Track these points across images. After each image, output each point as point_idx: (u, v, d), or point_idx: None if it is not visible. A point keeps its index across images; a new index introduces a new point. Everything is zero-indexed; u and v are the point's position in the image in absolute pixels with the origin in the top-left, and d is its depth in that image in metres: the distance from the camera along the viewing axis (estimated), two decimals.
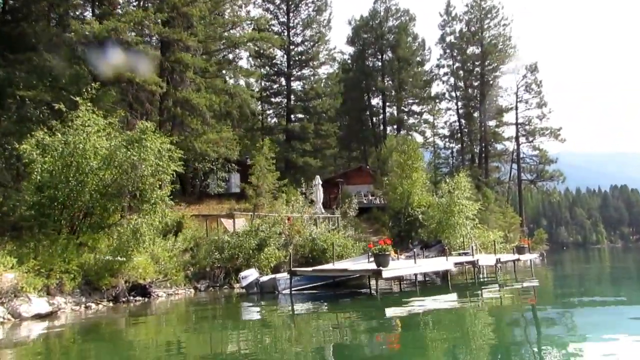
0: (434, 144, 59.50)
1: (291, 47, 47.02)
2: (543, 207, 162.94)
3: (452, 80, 54.64)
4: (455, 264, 15.55)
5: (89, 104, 15.25)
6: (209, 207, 37.47)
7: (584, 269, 29.12)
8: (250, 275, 14.68)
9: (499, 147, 54.33)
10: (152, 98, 24.51)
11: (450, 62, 54.92)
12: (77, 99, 15.01)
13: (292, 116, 48.34)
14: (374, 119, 58.51)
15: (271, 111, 50.62)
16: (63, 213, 14.74)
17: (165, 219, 16.30)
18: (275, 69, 47.88)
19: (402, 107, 58.03)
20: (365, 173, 45.10)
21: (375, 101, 59.37)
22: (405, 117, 57.94)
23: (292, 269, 13.74)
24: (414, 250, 27.48)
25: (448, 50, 54.56)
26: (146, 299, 15.48)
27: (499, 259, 17.87)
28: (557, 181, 49.59)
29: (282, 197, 23.75)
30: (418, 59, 57.11)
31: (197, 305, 15.05)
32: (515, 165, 51.40)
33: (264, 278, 14.90)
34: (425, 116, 59.41)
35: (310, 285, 14.77)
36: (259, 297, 14.51)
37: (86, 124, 14.90)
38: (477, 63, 52.56)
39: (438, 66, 55.64)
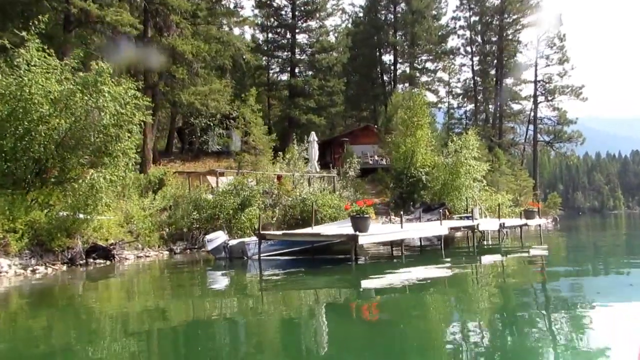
0: (448, 104, 56.87)
1: None
2: (560, 171, 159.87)
3: (468, 34, 51.21)
4: (451, 228, 13.76)
5: (37, 40, 13.41)
6: (206, 164, 35.94)
7: (599, 236, 27.10)
8: (217, 238, 13.09)
9: (516, 107, 51.36)
10: (133, 43, 22.55)
11: (468, 14, 51.33)
12: (23, 33, 13.14)
13: (297, 71, 45.97)
14: (385, 76, 55.72)
15: (275, 66, 48.03)
16: (10, 165, 13.17)
17: (130, 174, 14.64)
18: (280, 20, 45.11)
19: (415, 64, 55.06)
20: (372, 132, 42.99)
21: (387, 58, 56.45)
22: (418, 75, 54.97)
23: (261, 232, 12.08)
24: (415, 213, 25.86)
25: (465, 1, 50.85)
26: (109, 262, 14.09)
27: (503, 224, 16.01)
28: (576, 143, 46.67)
29: (269, 153, 21.93)
30: (433, 12, 53.69)
31: (163, 270, 13.60)
32: (531, 127, 48.54)
33: (233, 242, 13.31)
34: (440, 74, 56.50)
35: (287, 250, 13.15)
36: (226, 263, 12.97)
37: (34, 64, 13.11)
38: (496, 15, 48.87)
39: (454, 19, 52.12)
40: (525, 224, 17.33)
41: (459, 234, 20.44)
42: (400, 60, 55.47)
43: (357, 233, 10.04)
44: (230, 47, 28.06)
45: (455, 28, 52.48)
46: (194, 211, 18.07)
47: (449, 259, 13.00)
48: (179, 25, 23.78)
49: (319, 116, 44.75)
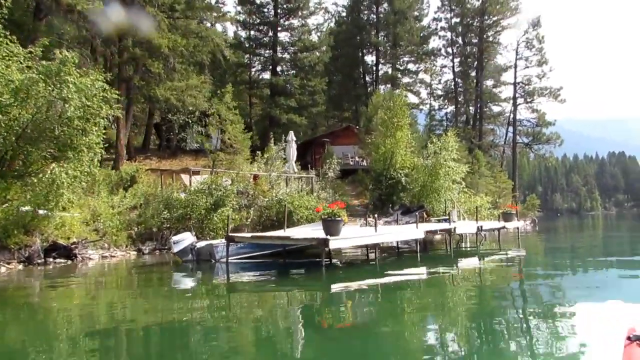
0: (430, 106, 56.84)
1: None
2: (539, 173, 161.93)
3: (449, 35, 51.23)
4: (428, 232, 13.41)
5: None
6: (183, 162, 35.14)
7: (576, 238, 27.22)
8: (184, 239, 12.53)
9: (496, 109, 51.57)
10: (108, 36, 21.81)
11: (449, 16, 51.34)
12: None
13: (279, 70, 45.39)
14: (367, 77, 55.44)
15: (257, 64, 47.31)
16: None
17: (95, 169, 14.00)
18: (262, 18, 44.48)
19: (397, 65, 54.92)
20: (353, 133, 42.61)
21: (370, 58, 56.20)
22: (400, 76, 54.85)
23: (230, 234, 11.57)
24: (394, 215, 25.57)
25: (446, 2, 50.86)
26: (70, 262, 13.43)
27: (481, 227, 15.76)
28: (554, 145, 47.00)
29: (245, 152, 21.38)
30: (415, 13, 53.63)
31: (126, 271, 13.00)
32: (511, 128, 48.69)
33: (201, 244, 12.77)
34: (421, 75, 56.44)
35: (259, 253, 12.66)
36: (193, 266, 12.43)
37: None
38: (476, 17, 48.96)
39: (435, 20, 52.10)
40: (504, 227, 17.12)
41: (437, 236, 20.23)
42: (382, 61, 55.24)
43: (328, 237, 9.60)
44: (209, 42, 27.40)
45: (436, 29, 52.51)
46: (165, 210, 17.45)
47: (425, 263, 12.67)
48: (155, 18, 23.06)
49: (300, 116, 44.24)
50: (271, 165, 21.94)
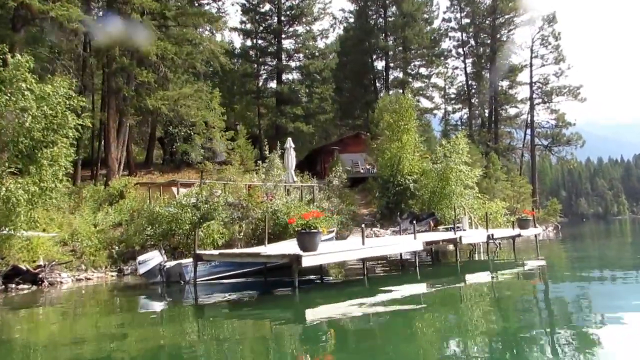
0: (445, 110, 54.98)
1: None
2: (562, 178, 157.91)
3: (459, 35, 49.44)
4: (428, 243, 11.79)
5: None
6: (186, 176, 34.07)
7: (603, 245, 25.04)
8: (150, 259, 11.19)
9: (513, 111, 49.41)
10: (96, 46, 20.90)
11: (459, 15, 49.59)
12: None
13: (285, 78, 44.34)
14: (378, 82, 53.97)
15: (264, 73, 46.32)
16: None
17: (60, 185, 12.77)
18: (265, 26, 43.54)
19: (408, 70, 53.34)
20: (362, 140, 41.12)
21: (380, 64, 54.77)
22: (411, 80, 53.24)
23: (197, 252, 10.13)
24: (402, 224, 23.91)
25: (456, 2, 49.15)
26: (35, 287, 12.17)
27: (492, 235, 14.04)
28: (575, 146, 44.54)
29: (236, 161, 20.06)
30: (425, 15, 52.12)
31: (94, 296, 11.67)
32: (529, 131, 46.46)
33: (170, 264, 11.37)
34: (434, 79, 54.73)
35: (239, 271, 11.23)
36: (162, 289, 11.02)
37: None
38: (488, 15, 47.04)
39: (444, 20, 50.43)
40: (519, 235, 15.34)
41: (450, 247, 18.52)
42: (392, 66, 53.84)
43: (301, 253, 8.12)
44: (204, 49, 26.34)
45: (447, 30, 50.79)
46: (149, 226, 16.19)
47: (425, 279, 11.07)
48: (141, 25, 22.08)
49: (308, 124, 42.97)
50: (267, 174, 20.56)
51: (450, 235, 12.83)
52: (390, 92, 51.64)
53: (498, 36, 46.51)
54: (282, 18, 43.48)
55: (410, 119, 25.53)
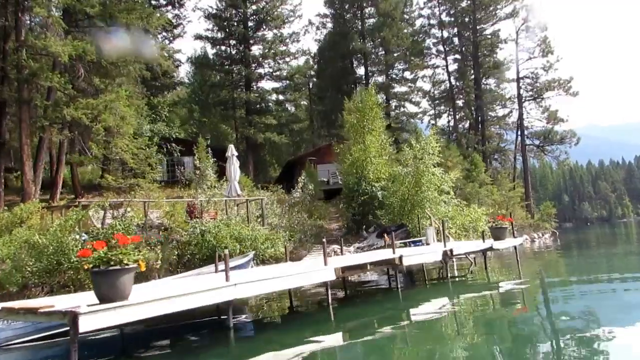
0: (431, 114, 51.77)
1: (247, 3, 39.81)
2: (564, 182, 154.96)
3: (439, 32, 46.43)
4: (343, 269, 8.41)
5: None
6: (147, 196, 30.96)
7: (605, 255, 21.43)
8: None
9: (502, 111, 46.08)
10: None
11: (437, 11, 46.65)
12: None
13: (254, 86, 41.31)
14: (359, 88, 50.93)
15: (230, 83, 43.31)
16: None
17: None
18: (231, 31, 40.66)
19: (391, 74, 50.41)
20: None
21: (361, 69, 51.90)
22: (395, 85, 50.25)
23: None
24: (368, 239, 20.58)
25: None
26: None
27: (450, 252, 10.63)
28: (569, 144, 40.98)
29: (148, 176, 16.78)
30: (405, 15, 49.37)
31: None
32: (520, 131, 42.96)
33: None
34: (419, 83, 51.69)
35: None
36: None
37: None
38: (468, 9, 43.91)
39: (422, 16, 47.56)
40: (490, 248, 11.89)
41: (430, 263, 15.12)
42: (374, 70, 51.03)
43: (80, 310, 4.77)
44: (140, 52, 23.26)
45: (425, 27, 47.85)
46: (31, 260, 12.85)
47: (346, 323, 7.67)
48: (55, 24, 19.11)
49: (280, 134, 39.86)
50: (197, 188, 17.33)
51: (385, 255, 9.46)
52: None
53: (480, 29, 43.38)
54: (249, 23, 40.66)
55: (375, 117, 22.32)
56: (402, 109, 51.15)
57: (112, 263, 5.26)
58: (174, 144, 33.08)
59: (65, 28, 19.16)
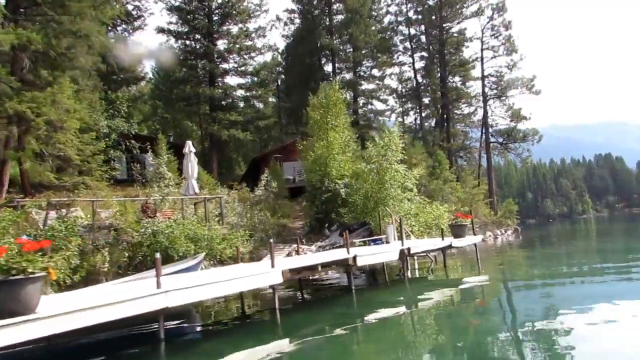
0: (399, 111, 51.76)
1: None
2: (528, 180, 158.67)
3: (406, 30, 46.45)
4: (292, 271, 7.94)
5: None
6: (109, 194, 29.73)
7: (564, 251, 21.66)
8: None
9: (467, 109, 46.42)
10: None
11: (404, 8, 46.66)
12: None
13: (218, 82, 40.32)
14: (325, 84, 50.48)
15: (195, 78, 42.14)
16: None
17: None
18: (194, 25, 39.50)
19: (359, 71, 50.18)
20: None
21: (329, 66, 51.48)
22: (363, 82, 50.03)
23: None
24: (331, 238, 20.18)
25: None
26: None
27: (407, 250, 10.28)
28: (532, 142, 41.59)
29: (96, 173, 15.89)
30: (374, 13, 49.21)
31: None
32: (484, 129, 43.34)
33: None
34: (387, 81, 51.70)
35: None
36: None
37: None
38: (435, 7, 44.01)
39: (389, 13, 47.50)
40: (449, 246, 11.61)
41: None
42: (342, 67, 50.72)
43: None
44: (94, 43, 22.11)
45: (392, 24, 47.81)
46: None
47: (294, 329, 7.16)
48: None
49: (246, 131, 39.05)
50: (149, 185, 16.53)
51: (339, 255, 9.00)
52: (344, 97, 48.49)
53: (446, 27, 43.54)
54: (214, 17, 39.63)
55: (339, 114, 21.91)
56: (369, 107, 51.09)
57: (13, 272, 4.60)
58: (133, 141, 31.79)
59: (7, 15, 17.94)
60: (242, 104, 41.62)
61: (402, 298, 9.41)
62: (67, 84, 15.27)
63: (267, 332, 7.21)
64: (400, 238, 11.15)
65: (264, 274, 7.15)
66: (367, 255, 9.21)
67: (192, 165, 18.88)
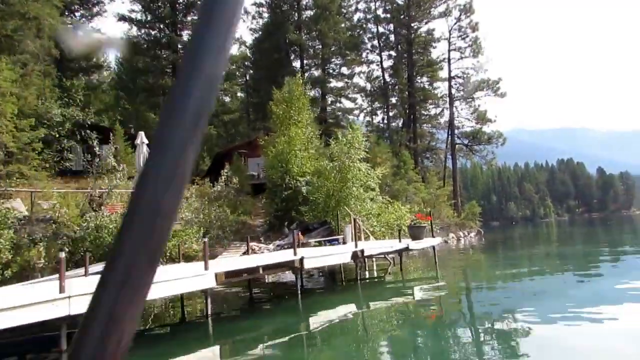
0: (372, 111, 51.41)
1: None
2: (493, 183, 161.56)
3: (374, 27, 46.16)
4: (229, 274, 7.24)
5: None
6: (60, 186, 28.25)
7: (526, 254, 21.61)
8: None
9: (434, 110, 46.46)
10: None
11: (373, 6, 46.39)
12: None
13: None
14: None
15: (156, 69, 40.71)
16: None
17: None
18: (157, 13, 38.16)
19: (329, 70, 49.61)
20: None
21: (298, 64, 50.74)
22: (331, 80, 49.47)
23: None
24: (289, 237, 19.48)
25: None
26: None
27: (361, 252, 9.72)
28: (496, 144, 41.89)
29: (33, 162, 14.83)
30: (343, 10, 48.73)
31: None
32: (450, 130, 43.43)
33: None
34: (356, 79, 51.28)
35: None
36: None
37: None
38: (404, 6, 43.84)
39: (358, 10, 47.15)
40: (406, 248, 11.11)
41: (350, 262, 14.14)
42: (310, 63, 50.02)
43: None
44: (43, 26, 20.85)
45: (361, 21, 47.44)
46: None
47: (226, 336, 6.47)
48: None
49: (209, 124, 37.94)
50: (96, 177, 15.50)
51: (284, 257, 8.35)
52: (311, 94, 47.89)
53: (415, 27, 43.40)
54: (177, 6, 38.35)
55: (302, 109, 21.26)
56: (338, 104, 50.63)
57: None
58: (89, 131, 30.29)
59: None
60: None
61: (351, 304, 8.82)
62: (4, 66, 14.07)
63: (199, 339, 6.50)
64: (354, 239, 10.56)
65: (196, 277, 6.42)
66: (316, 257, 8.58)
67: (145, 157, 17.86)
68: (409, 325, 6.86)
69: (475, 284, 11.34)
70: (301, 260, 7.99)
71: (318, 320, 7.43)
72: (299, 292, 8.52)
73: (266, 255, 10.34)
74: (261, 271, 7.64)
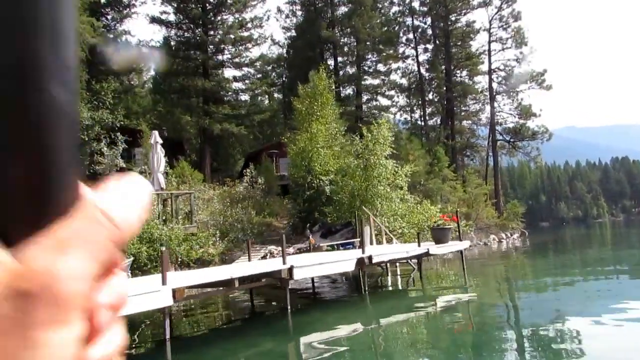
0: (409, 109, 49.59)
1: None
2: (542, 182, 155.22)
3: (410, 21, 44.32)
4: (193, 287, 5.95)
5: None
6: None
7: (576, 261, 19.37)
8: None
9: (475, 107, 44.05)
10: None
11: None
12: None
13: (212, 73, 38.67)
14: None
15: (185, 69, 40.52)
16: None
17: None
18: (188, 14, 37.94)
19: (365, 67, 48.19)
20: None
21: (332, 62, 49.58)
22: (366, 77, 48.00)
23: None
24: (311, 238, 18.27)
25: None
26: None
27: (369, 259, 8.34)
28: (542, 140, 39.04)
29: None
30: (378, 5, 47.21)
31: None
32: (491, 125, 40.90)
33: None
34: (393, 76, 49.47)
35: None
36: None
37: None
38: None
39: (393, 4, 45.37)
40: (426, 253, 9.60)
41: (379, 268, 12.84)
42: (346, 60, 48.73)
43: None
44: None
45: (397, 14, 45.68)
46: None
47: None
48: None
49: (240, 125, 37.32)
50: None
51: (270, 267, 7.10)
52: (346, 92, 46.64)
53: (452, 19, 41.24)
54: (207, 6, 37.99)
55: (325, 104, 20.03)
56: (374, 102, 49.10)
57: None
58: (119, 134, 30.20)
59: None
60: (243, 98, 39.97)
61: (356, 322, 7.46)
62: None
63: None
64: (362, 243, 9.19)
65: (150, 293, 5.29)
66: (310, 266, 7.29)
67: (159, 157, 17.12)
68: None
69: (511, 296, 9.73)
70: (290, 270, 6.74)
71: (305, 346, 6.14)
72: (288, 309, 7.16)
73: (246, 264, 9.07)
74: (237, 284, 6.41)
